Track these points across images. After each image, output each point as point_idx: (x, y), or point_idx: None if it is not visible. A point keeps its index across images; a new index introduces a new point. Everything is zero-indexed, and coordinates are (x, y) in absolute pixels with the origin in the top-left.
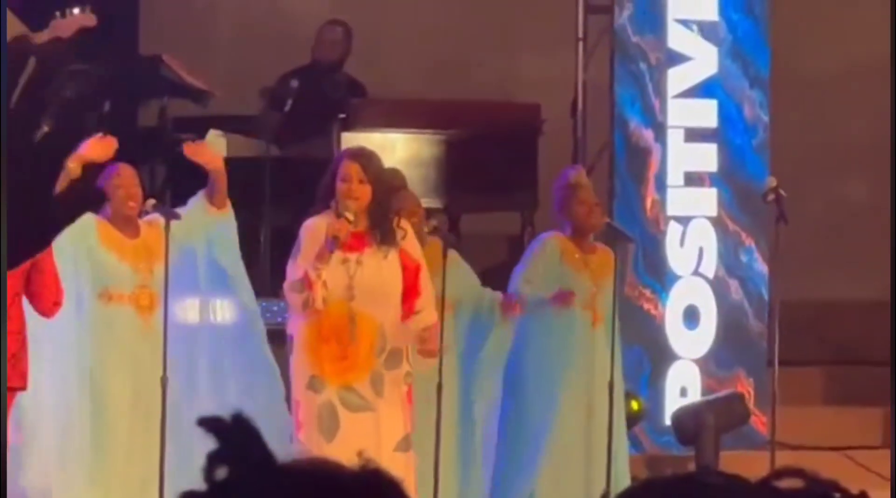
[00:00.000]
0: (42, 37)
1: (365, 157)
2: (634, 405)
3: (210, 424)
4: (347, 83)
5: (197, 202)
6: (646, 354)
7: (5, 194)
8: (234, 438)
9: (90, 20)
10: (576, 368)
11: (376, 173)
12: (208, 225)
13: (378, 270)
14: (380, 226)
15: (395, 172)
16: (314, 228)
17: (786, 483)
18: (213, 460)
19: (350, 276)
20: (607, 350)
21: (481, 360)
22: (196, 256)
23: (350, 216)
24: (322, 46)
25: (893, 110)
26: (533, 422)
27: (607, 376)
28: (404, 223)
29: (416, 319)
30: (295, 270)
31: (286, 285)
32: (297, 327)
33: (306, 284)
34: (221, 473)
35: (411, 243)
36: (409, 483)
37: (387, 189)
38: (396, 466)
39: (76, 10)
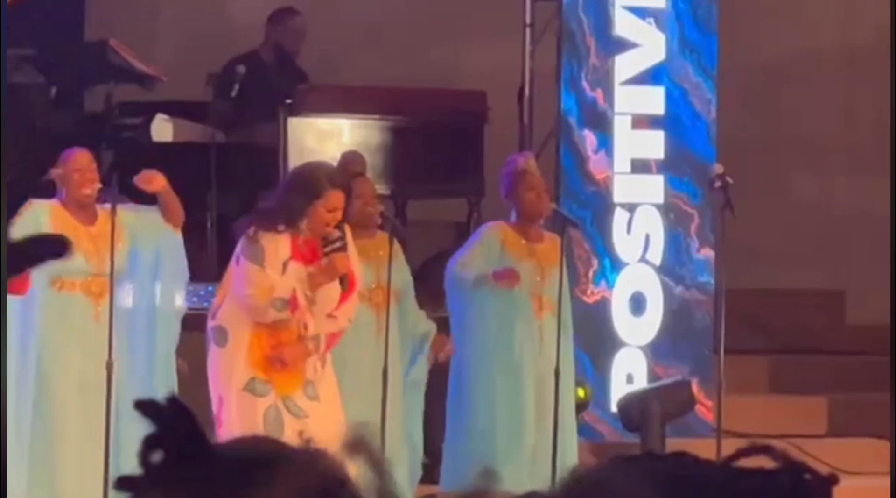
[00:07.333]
0: None
1: (345, 180)
2: (581, 393)
3: (145, 407)
4: (296, 73)
5: (156, 211)
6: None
7: (5, 193)
8: (170, 421)
9: None
10: (515, 352)
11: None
12: (160, 235)
13: (332, 284)
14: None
15: (355, 156)
16: (278, 244)
17: (753, 462)
18: (148, 444)
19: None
20: (555, 339)
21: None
22: (142, 257)
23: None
24: (287, 34)
25: (893, 108)
26: (472, 407)
27: (554, 364)
28: (347, 229)
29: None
30: (262, 277)
31: (253, 291)
32: (242, 327)
33: (293, 305)
34: (157, 456)
35: (351, 250)
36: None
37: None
38: None
39: None
